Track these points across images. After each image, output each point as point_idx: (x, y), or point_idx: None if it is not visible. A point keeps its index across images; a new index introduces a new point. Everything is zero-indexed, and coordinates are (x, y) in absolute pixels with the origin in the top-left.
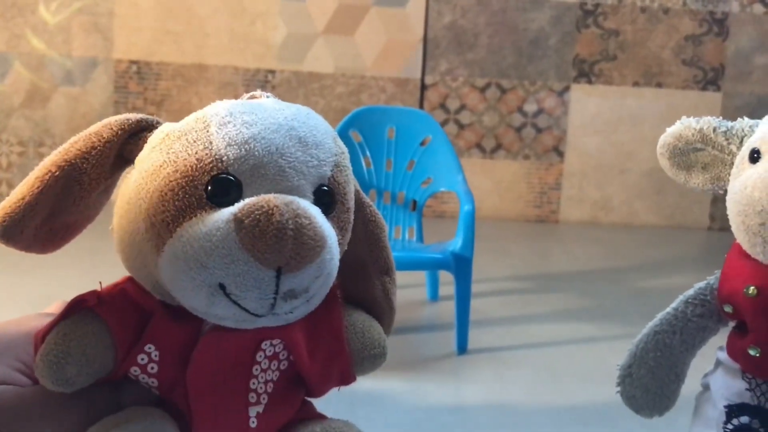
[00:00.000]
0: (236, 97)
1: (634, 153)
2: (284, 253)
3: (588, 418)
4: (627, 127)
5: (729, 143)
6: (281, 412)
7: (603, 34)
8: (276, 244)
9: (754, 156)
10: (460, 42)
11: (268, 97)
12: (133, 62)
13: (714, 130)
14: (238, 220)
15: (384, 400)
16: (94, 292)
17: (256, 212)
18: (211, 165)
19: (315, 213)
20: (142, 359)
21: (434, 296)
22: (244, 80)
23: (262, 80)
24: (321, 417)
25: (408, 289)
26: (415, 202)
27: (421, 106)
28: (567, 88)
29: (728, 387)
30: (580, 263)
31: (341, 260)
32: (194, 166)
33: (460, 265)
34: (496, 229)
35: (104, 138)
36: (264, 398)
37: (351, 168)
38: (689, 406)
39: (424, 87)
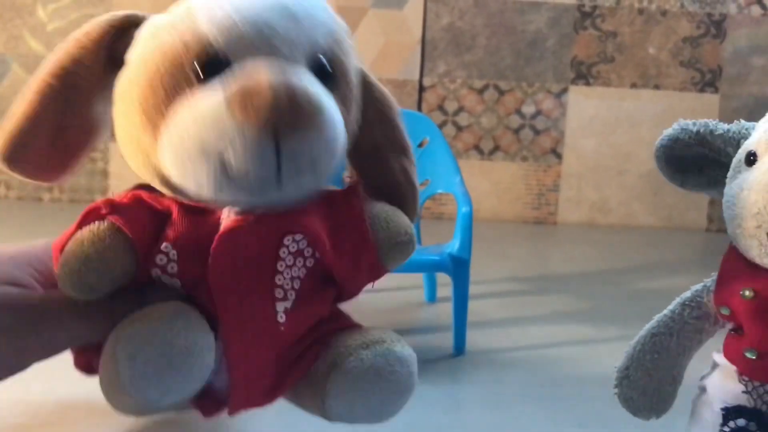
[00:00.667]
0: None
1: (632, 155)
2: (280, 116)
3: (586, 420)
4: (625, 129)
5: (726, 146)
6: (311, 309)
7: (601, 36)
8: (268, 102)
9: (750, 158)
10: (458, 44)
11: None
12: None
13: (711, 132)
14: (228, 89)
15: None
16: (107, 200)
17: (246, 79)
18: (197, 46)
19: (308, 80)
20: (161, 260)
21: (432, 298)
22: None
23: None
24: (358, 326)
25: (405, 290)
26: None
27: (419, 108)
28: (565, 90)
29: (725, 389)
30: (577, 265)
31: (356, 147)
32: (181, 49)
33: (458, 267)
34: (495, 230)
35: (93, 36)
36: (291, 294)
37: (353, 46)
38: (687, 408)
39: (422, 89)
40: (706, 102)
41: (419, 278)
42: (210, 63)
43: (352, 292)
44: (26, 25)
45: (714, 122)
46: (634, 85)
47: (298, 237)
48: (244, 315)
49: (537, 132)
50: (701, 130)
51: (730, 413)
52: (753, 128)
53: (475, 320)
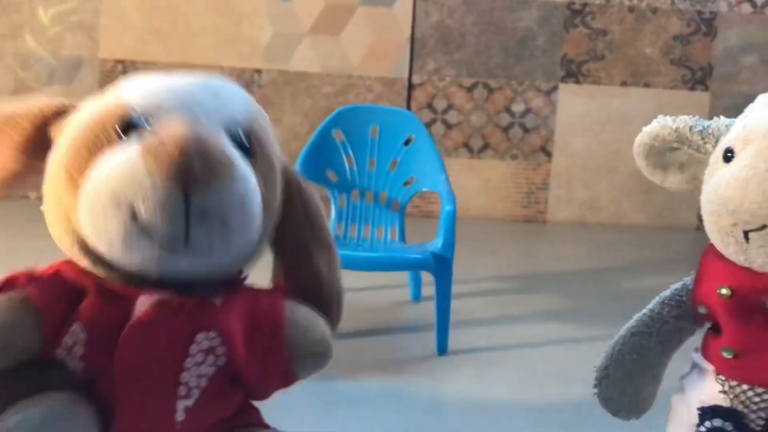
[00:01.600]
0: None
1: (621, 153)
2: (189, 166)
3: (567, 420)
4: (614, 127)
5: (705, 142)
6: (214, 410)
7: (591, 34)
8: (180, 158)
9: (728, 155)
10: (448, 42)
11: None
12: (119, 62)
13: (690, 129)
14: (143, 144)
15: (360, 401)
16: (27, 272)
17: (160, 132)
18: (119, 109)
19: (224, 141)
20: (68, 341)
21: (417, 297)
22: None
23: (248, 80)
24: (264, 426)
25: (391, 289)
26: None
27: (409, 106)
28: (554, 88)
29: (702, 389)
30: (566, 263)
31: (283, 243)
32: (104, 113)
33: (441, 266)
34: (484, 229)
35: (30, 119)
36: (195, 392)
37: (273, 133)
38: (667, 406)
39: (411, 87)
40: (696, 100)
41: (404, 277)
42: (130, 124)
43: (260, 394)
44: (13, 23)
45: (694, 119)
46: (624, 83)
47: (211, 334)
48: (142, 410)
49: (527, 130)
50: (680, 127)
51: (706, 413)
52: (732, 125)
53: (460, 319)
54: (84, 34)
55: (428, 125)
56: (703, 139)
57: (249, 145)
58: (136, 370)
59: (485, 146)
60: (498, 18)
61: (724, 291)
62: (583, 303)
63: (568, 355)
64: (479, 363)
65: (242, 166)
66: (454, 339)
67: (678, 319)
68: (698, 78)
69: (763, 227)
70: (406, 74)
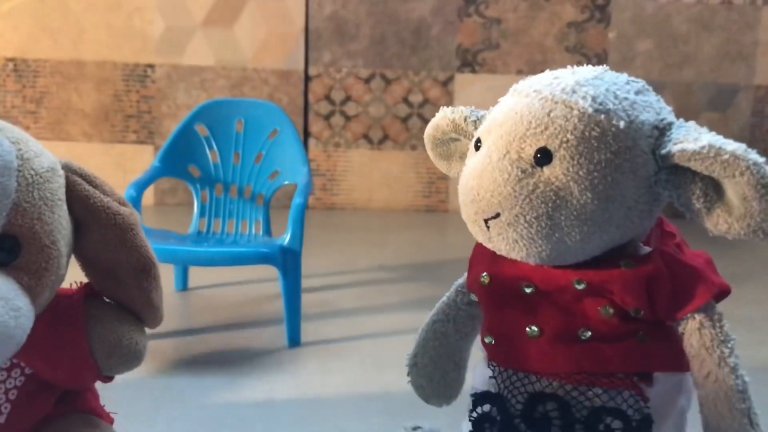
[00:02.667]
0: (116, 92)
1: None
2: None
3: (396, 407)
4: None
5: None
6: (31, 413)
7: (485, 23)
8: None
9: (477, 145)
10: (342, 33)
11: None
12: (9, 60)
13: (465, 119)
14: None
15: (193, 395)
16: None
17: None
18: None
19: None
20: None
21: None
22: (123, 75)
23: (141, 75)
24: (90, 410)
25: (260, 283)
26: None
27: (306, 98)
28: (451, 78)
29: (480, 375)
30: (456, 251)
31: (91, 266)
32: None
33: (288, 259)
34: (385, 220)
35: None
36: (6, 407)
37: (50, 186)
38: None
39: (308, 78)
40: None
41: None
42: None
43: (76, 389)
44: None
45: (470, 109)
46: (520, 72)
47: (10, 361)
48: None
49: (425, 120)
50: (456, 118)
51: (478, 399)
52: None
53: (325, 310)
54: None
55: (327, 117)
56: (476, 128)
57: (10, 240)
58: None
59: (385, 137)
60: (392, 8)
61: (483, 278)
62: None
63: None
64: (328, 354)
65: None
66: (312, 330)
67: (470, 306)
68: (593, 64)
69: (497, 216)
70: (301, 66)
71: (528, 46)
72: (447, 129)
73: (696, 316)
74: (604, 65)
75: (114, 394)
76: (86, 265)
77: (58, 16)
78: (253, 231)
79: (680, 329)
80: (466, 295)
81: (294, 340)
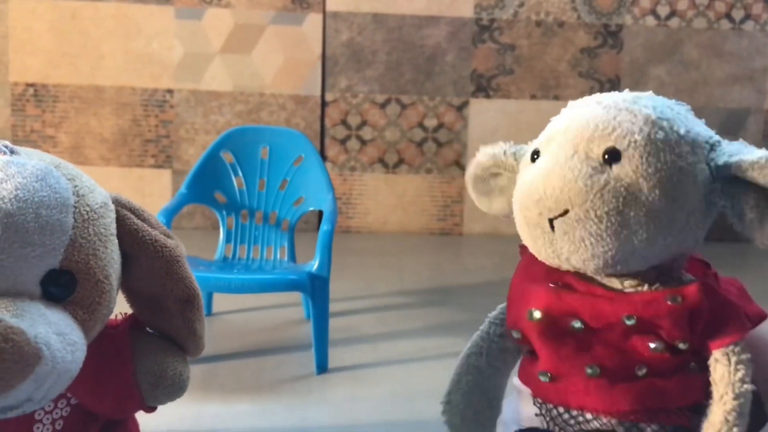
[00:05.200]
0: (134, 117)
1: None
2: None
3: None
4: (525, 140)
5: (518, 163)
6: None
7: (499, 49)
8: None
9: (534, 157)
10: (359, 59)
11: (5, 149)
12: (29, 85)
13: (504, 153)
14: None
15: (225, 423)
16: None
17: None
18: None
19: (26, 326)
20: None
21: (311, 315)
22: (142, 100)
23: (160, 99)
24: None
25: (284, 308)
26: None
27: (323, 123)
28: (466, 103)
29: (519, 412)
30: (474, 276)
31: (135, 295)
32: None
33: (317, 286)
34: (400, 243)
35: None
36: None
37: (103, 222)
38: None
39: (324, 104)
40: None
41: (299, 295)
42: None
43: (125, 419)
44: None
45: (509, 144)
46: (533, 97)
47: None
48: None
49: (440, 144)
50: (496, 152)
51: None
52: None
53: (350, 336)
54: None
55: (343, 141)
56: (516, 160)
57: (67, 275)
58: None
59: (400, 161)
60: (407, 35)
61: (535, 314)
62: (477, 316)
63: (446, 369)
64: (356, 381)
65: (51, 345)
66: (338, 357)
67: (502, 338)
68: (606, 89)
69: (566, 212)
70: (318, 92)
71: (541, 71)
72: (487, 164)
73: (725, 350)
74: (618, 90)
75: (147, 423)
76: (132, 297)
77: (78, 42)
78: (278, 257)
79: (710, 360)
80: (498, 327)
81: (322, 367)
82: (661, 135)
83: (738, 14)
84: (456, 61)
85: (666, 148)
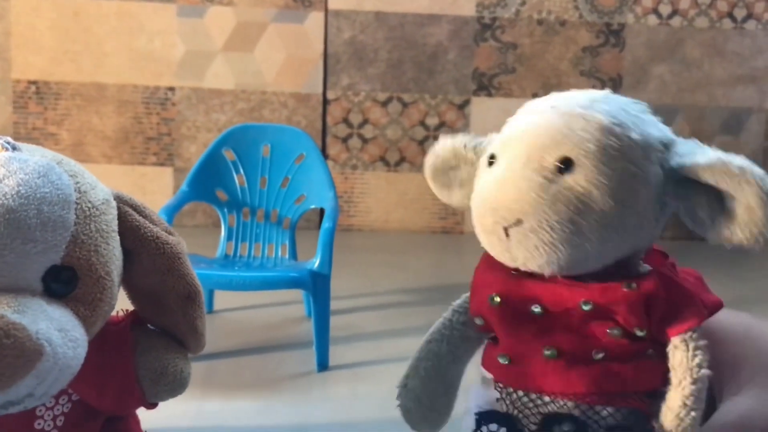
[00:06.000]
0: (136, 115)
1: None
2: None
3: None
4: None
5: (478, 157)
6: None
7: (501, 47)
8: None
9: (491, 161)
10: (361, 57)
11: (7, 146)
12: (31, 82)
13: (465, 146)
14: None
15: (226, 419)
16: None
17: None
18: None
19: (27, 322)
20: None
21: (311, 312)
22: (143, 98)
23: (162, 97)
24: None
25: (285, 306)
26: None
27: (324, 121)
28: (467, 101)
29: (482, 396)
30: (471, 274)
31: (137, 291)
32: None
33: (318, 283)
34: (401, 241)
35: None
36: None
37: (105, 218)
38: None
39: (326, 102)
40: None
41: (300, 292)
42: None
43: (121, 415)
44: None
45: (470, 136)
46: (535, 95)
47: None
48: None
49: None
50: (456, 145)
51: (483, 417)
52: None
53: (351, 333)
54: None
55: (345, 140)
56: (476, 154)
57: (68, 271)
58: None
59: (401, 159)
60: (409, 33)
61: (495, 299)
62: None
63: None
64: (357, 378)
65: (52, 341)
66: (339, 354)
67: (464, 327)
68: (608, 88)
69: (519, 222)
70: (320, 90)
71: (543, 70)
72: (447, 157)
73: (683, 336)
74: (619, 89)
75: (148, 419)
76: (133, 293)
77: (80, 40)
78: (280, 254)
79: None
80: (461, 315)
81: (323, 364)
82: (613, 141)
83: (740, 13)
84: (458, 59)
85: (618, 155)
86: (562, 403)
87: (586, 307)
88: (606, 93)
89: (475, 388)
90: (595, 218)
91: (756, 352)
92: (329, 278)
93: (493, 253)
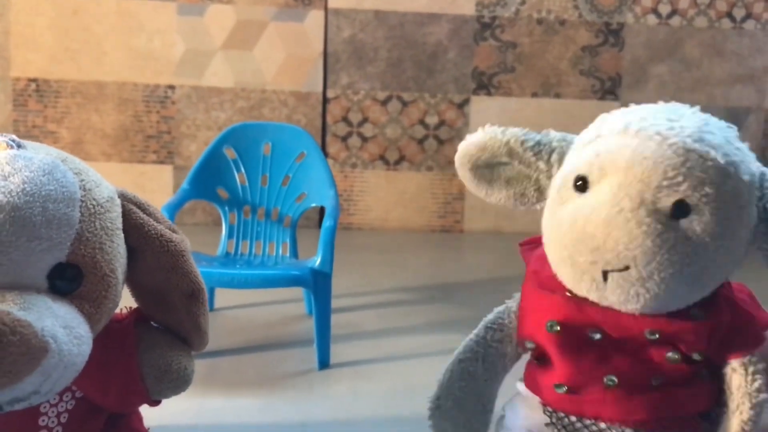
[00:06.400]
0: (136, 113)
1: None
2: None
3: (422, 431)
4: None
5: (537, 159)
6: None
7: (501, 47)
8: None
9: (579, 184)
10: (360, 56)
11: (12, 143)
12: (31, 80)
13: (522, 143)
14: None
15: (227, 417)
16: None
17: None
18: None
19: (33, 319)
20: None
21: (312, 310)
22: (143, 96)
23: (161, 95)
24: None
25: (285, 304)
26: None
27: (324, 120)
28: (467, 100)
29: (528, 418)
30: (475, 272)
31: (141, 288)
32: None
33: (319, 281)
34: (401, 240)
35: None
36: (58, 430)
37: (110, 216)
38: None
39: (326, 100)
40: (606, 109)
41: (300, 291)
42: None
43: (124, 412)
44: None
45: (524, 131)
46: (534, 94)
47: None
48: None
49: (441, 142)
50: (511, 141)
51: None
52: (566, 141)
53: (352, 332)
54: None
55: (344, 138)
56: (535, 155)
57: (73, 269)
58: None
59: (401, 158)
60: (409, 32)
61: (554, 327)
62: (479, 312)
63: (446, 364)
64: (358, 376)
65: (57, 337)
66: (340, 352)
67: (501, 344)
68: (607, 88)
69: (626, 269)
70: (320, 88)
71: (543, 69)
72: (498, 152)
73: (742, 360)
74: (618, 89)
75: (149, 417)
76: (137, 291)
77: (80, 38)
78: (280, 252)
79: (725, 368)
80: (497, 332)
81: (324, 362)
82: (729, 186)
83: (739, 13)
84: (457, 58)
85: (733, 201)
86: (620, 430)
87: (651, 337)
88: (700, 116)
89: (514, 406)
90: (704, 267)
91: None
92: (330, 276)
93: (576, 288)
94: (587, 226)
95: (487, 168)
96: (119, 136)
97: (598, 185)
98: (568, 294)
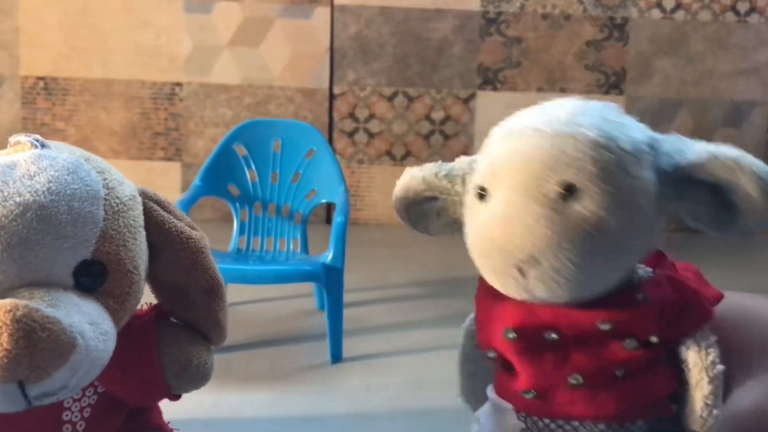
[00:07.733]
0: (143, 110)
1: None
2: (19, 370)
3: (440, 425)
4: None
5: (453, 184)
6: (106, 427)
7: (506, 42)
8: (7, 362)
9: (481, 193)
10: (366, 52)
11: (37, 143)
12: (39, 78)
13: (436, 175)
14: None
15: (243, 411)
16: None
17: None
18: None
19: (61, 316)
20: None
21: (323, 305)
22: (151, 93)
23: (169, 93)
24: (157, 427)
25: (298, 298)
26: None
27: (331, 116)
28: (473, 96)
29: (501, 425)
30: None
31: (161, 285)
32: None
33: (331, 276)
34: (408, 235)
35: None
36: (81, 425)
37: (132, 214)
38: None
39: (332, 97)
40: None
41: (311, 286)
42: None
43: (145, 406)
44: None
45: (438, 164)
46: (540, 89)
47: None
48: None
49: (447, 137)
50: (426, 175)
51: None
52: (474, 162)
53: (363, 326)
54: (4, 51)
55: (351, 134)
56: (450, 182)
57: (98, 266)
58: (18, 421)
59: (407, 154)
60: (414, 28)
61: (510, 335)
62: None
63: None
64: (370, 370)
65: (85, 333)
66: (352, 346)
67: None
68: (612, 82)
69: (533, 259)
70: (326, 85)
71: (548, 64)
72: (420, 189)
73: (693, 337)
74: (623, 83)
75: (165, 411)
76: (157, 287)
77: (88, 36)
78: (291, 248)
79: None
80: (472, 338)
81: (336, 356)
82: (610, 157)
83: (743, 6)
84: (463, 53)
85: (618, 171)
86: (592, 425)
87: (604, 327)
88: (578, 102)
89: (488, 413)
90: (609, 242)
91: (760, 334)
92: (342, 271)
93: (507, 292)
94: (492, 231)
95: (418, 206)
96: (127, 133)
97: (495, 191)
98: (520, 300)
